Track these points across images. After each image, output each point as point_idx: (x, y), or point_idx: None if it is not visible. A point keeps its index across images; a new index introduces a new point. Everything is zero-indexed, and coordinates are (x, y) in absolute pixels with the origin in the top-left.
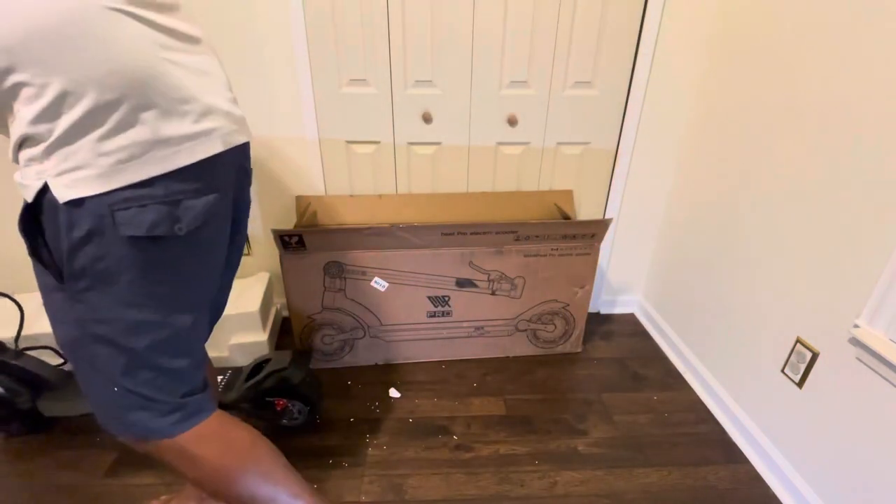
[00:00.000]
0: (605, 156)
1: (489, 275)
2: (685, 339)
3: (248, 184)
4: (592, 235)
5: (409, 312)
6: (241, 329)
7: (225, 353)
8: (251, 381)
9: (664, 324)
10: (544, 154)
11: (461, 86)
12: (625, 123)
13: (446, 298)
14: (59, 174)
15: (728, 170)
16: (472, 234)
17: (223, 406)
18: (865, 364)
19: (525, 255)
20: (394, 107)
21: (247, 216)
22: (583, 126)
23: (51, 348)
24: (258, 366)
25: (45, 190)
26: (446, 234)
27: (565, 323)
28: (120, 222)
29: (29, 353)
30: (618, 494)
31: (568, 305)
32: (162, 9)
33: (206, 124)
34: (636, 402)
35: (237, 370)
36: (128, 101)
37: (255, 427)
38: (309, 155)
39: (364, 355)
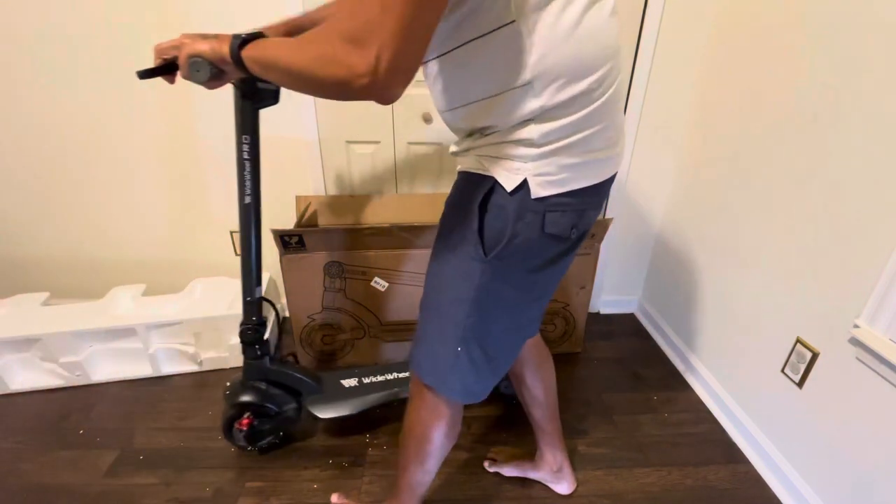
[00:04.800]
0: None
1: None
2: (685, 340)
3: None
4: (592, 235)
5: (409, 312)
6: None
7: (224, 354)
8: None
9: (664, 324)
10: None
11: None
12: (625, 123)
13: None
14: (536, 175)
15: (728, 169)
16: None
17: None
18: (865, 364)
19: None
20: (394, 107)
21: None
22: None
23: (294, 356)
24: None
25: (522, 184)
26: None
27: (565, 323)
28: (548, 221)
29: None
30: (618, 494)
31: (568, 305)
32: None
33: (617, 149)
34: (636, 402)
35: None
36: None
37: None
38: (309, 155)
39: (364, 356)
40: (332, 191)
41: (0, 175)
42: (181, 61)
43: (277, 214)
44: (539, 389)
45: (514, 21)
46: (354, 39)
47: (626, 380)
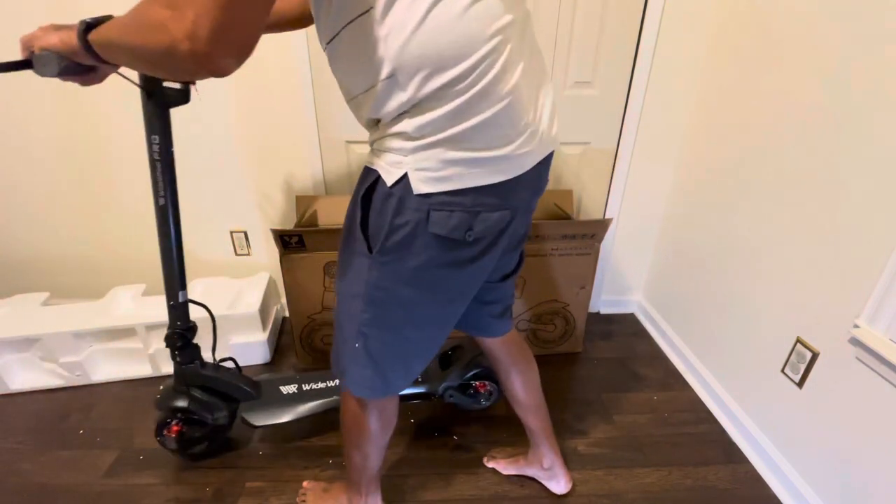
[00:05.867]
0: (605, 156)
1: None
2: (685, 339)
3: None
4: (592, 235)
5: None
6: (241, 329)
7: (224, 354)
8: (455, 369)
9: (664, 324)
10: None
11: None
12: (625, 123)
13: None
14: (417, 170)
15: (728, 169)
16: None
17: (432, 396)
18: (865, 364)
19: (525, 255)
20: None
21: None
22: (583, 126)
23: (234, 360)
24: (445, 355)
25: (401, 178)
26: None
27: (565, 323)
28: (431, 220)
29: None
30: (618, 494)
31: (568, 305)
32: None
33: (520, 149)
34: (636, 402)
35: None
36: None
37: (456, 410)
38: (309, 155)
39: None
40: (332, 191)
41: (0, 175)
42: (34, 57)
43: (277, 214)
44: (519, 390)
45: (371, 8)
46: (171, 3)
47: (626, 380)
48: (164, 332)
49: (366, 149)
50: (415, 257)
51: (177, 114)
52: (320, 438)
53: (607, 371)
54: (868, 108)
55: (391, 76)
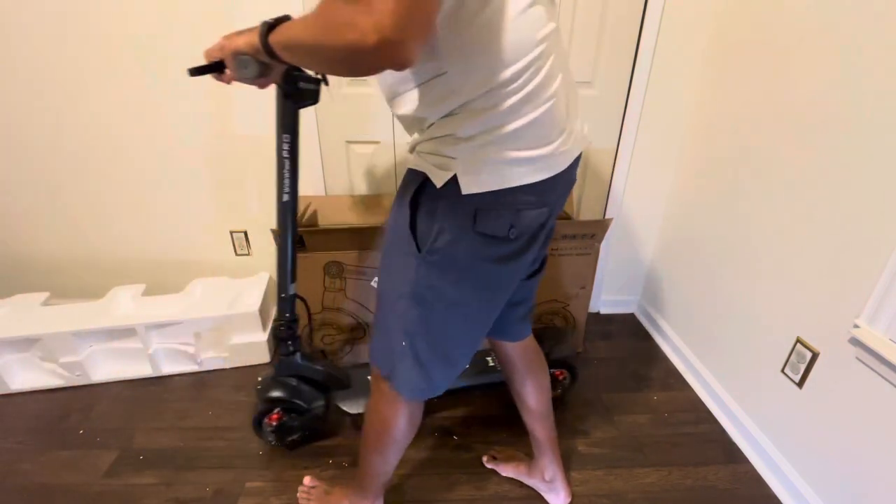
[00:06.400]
0: (605, 156)
1: None
2: (685, 339)
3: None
4: (592, 235)
5: None
6: (241, 329)
7: (225, 354)
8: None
9: (664, 324)
10: None
11: None
12: (625, 123)
13: None
14: (464, 171)
15: (728, 169)
16: None
17: None
18: (865, 364)
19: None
20: None
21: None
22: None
23: (322, 352)
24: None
25: (451, 181)
26: None
27: (565, 323)
28: (478, 220)
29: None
30: (618, 494)
31: (568, 305)
32: None
33: (557, 148)
34: (636, 402)
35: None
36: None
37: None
38: (309, 155)
39: (364, 355)
40: (332, 191)
41: (0, 175)
42: (228, 62)
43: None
44: (529, 397)
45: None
46: None
47: (626, 380)
48: (163, 332)
49: (366, 149)
50: (462, 256)
51: (176, 114)
52: (320, 438)
53: (607, 371)
54: (868, 107)
55: (445, 73)
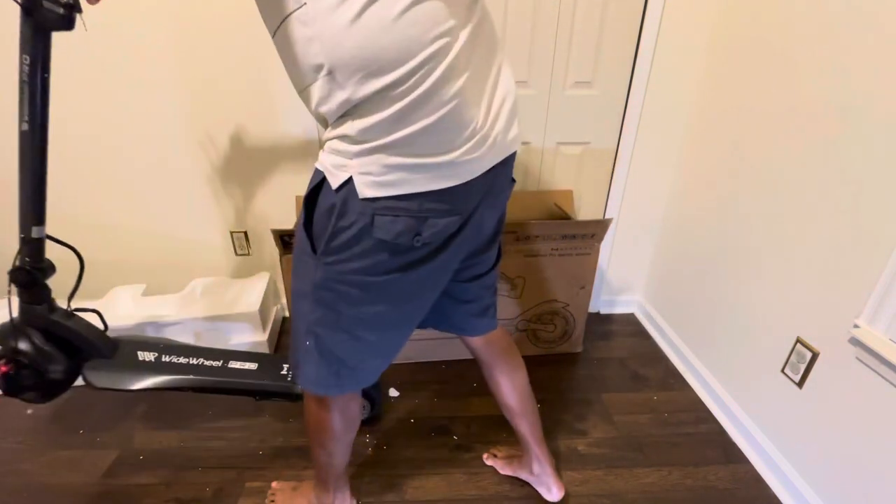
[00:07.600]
0: (605, 156)
1: None
2: (685, 339)
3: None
4: (592, 235)
5: None
6: (241, 329)
7: None
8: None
9: (664, 324)
10: (544, 154)
11: None
12: (625, 123)
13: None
14: (361, 173)
15: (728, 169)
16: None
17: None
18: (865, 364)
19: (525, 255)
20: None
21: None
22: (583, 126)
23: (98, 313)
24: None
25: (346, 182)
26: None
27: (565, 323)
28: (376, 225)
29: (80, 314)
30: (618, 494)
31: (568, 305)
32: None
33: (465, 155)
34: (636, 402)
35: None
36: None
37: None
38: (309, 155)
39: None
40: None
41: None
42: None
43: (277, 214)
44: (504, 394)
45: (304, 5)
46: None
47: (626, 380)
48: (163, 331)
49: None
50: (359, 260)
51: (177, 114)
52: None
53: (607, 371)
54: (868, 108)
55: (329, 73)
